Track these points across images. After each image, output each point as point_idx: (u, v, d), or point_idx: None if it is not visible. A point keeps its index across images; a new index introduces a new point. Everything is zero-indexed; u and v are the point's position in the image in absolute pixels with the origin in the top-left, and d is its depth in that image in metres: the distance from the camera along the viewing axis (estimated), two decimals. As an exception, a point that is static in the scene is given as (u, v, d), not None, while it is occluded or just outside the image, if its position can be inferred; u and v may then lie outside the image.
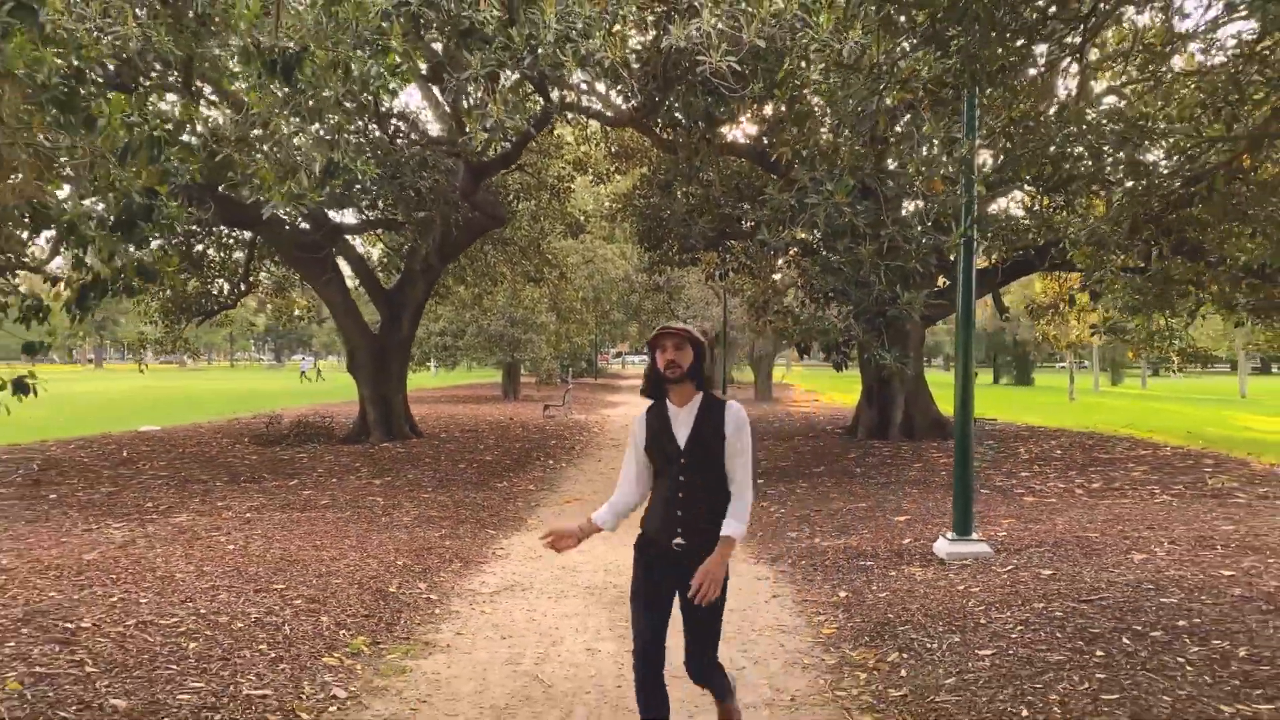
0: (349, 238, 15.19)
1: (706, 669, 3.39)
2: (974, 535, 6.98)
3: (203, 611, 5.38)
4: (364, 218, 14.27)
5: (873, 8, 5.69)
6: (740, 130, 14.48)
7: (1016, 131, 8.08)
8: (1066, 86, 10.85)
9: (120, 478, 10.97)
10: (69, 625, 5.02)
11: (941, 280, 13.97)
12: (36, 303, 4.72)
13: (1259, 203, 9.15)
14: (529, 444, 16.04)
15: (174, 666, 4.51)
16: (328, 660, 4.83)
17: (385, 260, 18.29)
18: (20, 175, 3.62)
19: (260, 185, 4.97)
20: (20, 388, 4.51)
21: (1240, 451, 13.94)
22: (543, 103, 9.83)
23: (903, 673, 4.59)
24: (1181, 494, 9.44)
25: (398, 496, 9.87)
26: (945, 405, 22.17)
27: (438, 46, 10.53)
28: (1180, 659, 4.42)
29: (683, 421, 3.23)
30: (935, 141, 7.50)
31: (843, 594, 6.12)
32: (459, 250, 15.18)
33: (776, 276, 18.52)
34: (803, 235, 12.21)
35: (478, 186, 12.22)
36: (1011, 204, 15.72)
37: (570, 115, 12.34)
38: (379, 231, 16.19)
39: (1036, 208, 13.44)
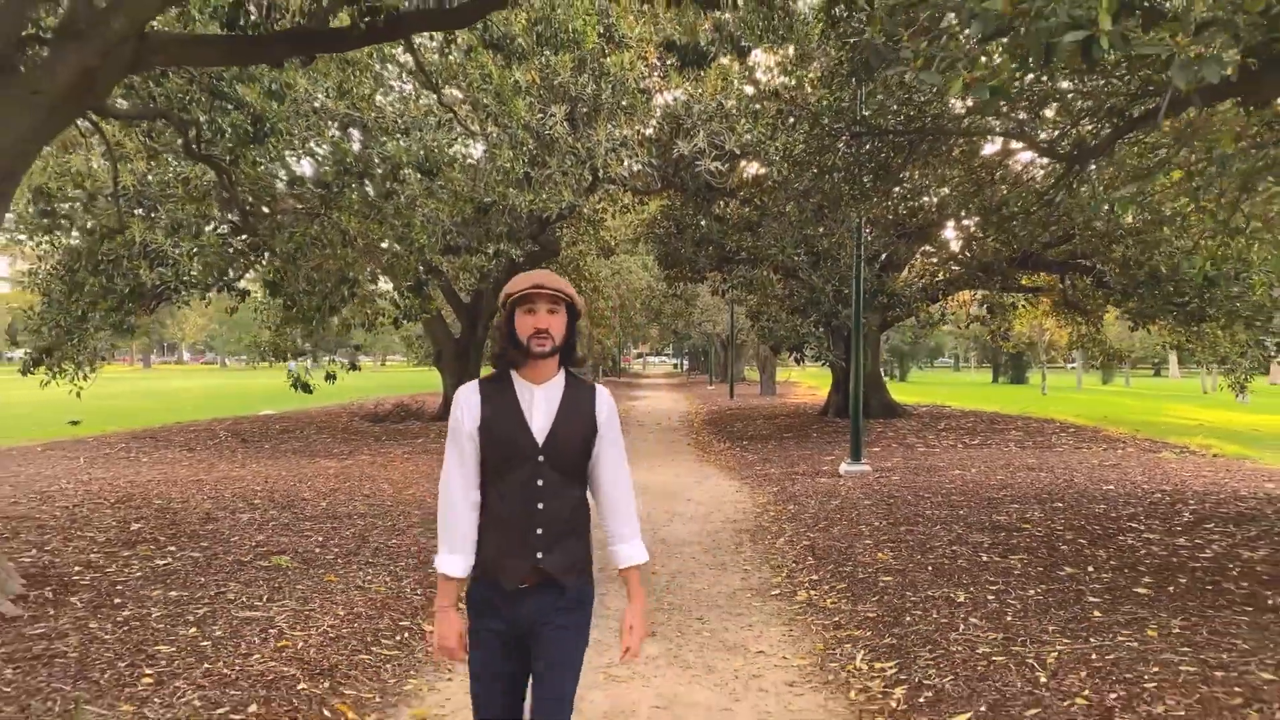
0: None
1: None
2: (863, 461, 11.46)
3: (422, 492, 9.96)
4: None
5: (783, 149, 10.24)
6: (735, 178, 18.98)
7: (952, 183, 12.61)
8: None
9: (295, 439, 15.63)
10: (357, 493, 9.62)
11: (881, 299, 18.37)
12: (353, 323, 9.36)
13: (1103, 251, 13.64)
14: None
15: (429, 510, 9.07)
16: (498, 508, 9.39)
17: (459, 278, 23.02)
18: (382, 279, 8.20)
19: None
20: (353, 366, 9.14)
21: (1130, 429, 18.20)
22: (592, 180, 14.43)
23: (792, 510, 9.10)
24: (1027, 446, 13.86)
25: (496, 448, 14.46)
26: (918, 396, 26.69)
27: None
28: (929, 506, 8.89)
29: (540, 405, 2.42)
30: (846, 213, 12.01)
31: (775, 490, 10.63)
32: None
33: (780, 287, 22.97)
34: (779, 258, 16.69)
35: (542, 230, 16.84)
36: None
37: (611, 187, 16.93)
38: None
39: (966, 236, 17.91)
